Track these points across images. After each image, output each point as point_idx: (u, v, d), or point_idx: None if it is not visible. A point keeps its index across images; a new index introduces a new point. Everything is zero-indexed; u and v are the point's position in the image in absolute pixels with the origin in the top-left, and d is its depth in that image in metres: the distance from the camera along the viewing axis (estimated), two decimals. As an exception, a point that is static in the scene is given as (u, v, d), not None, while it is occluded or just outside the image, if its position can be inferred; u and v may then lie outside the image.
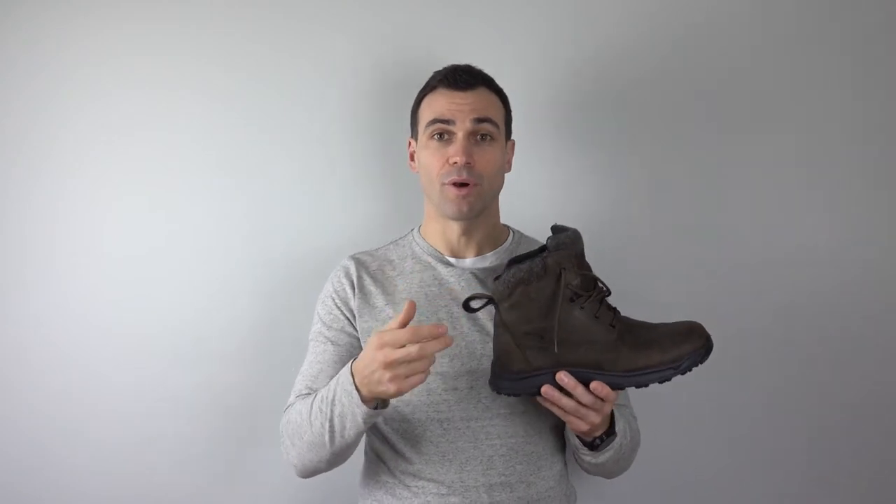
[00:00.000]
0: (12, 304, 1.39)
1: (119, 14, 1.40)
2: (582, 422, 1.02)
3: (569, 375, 1.00)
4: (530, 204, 1.40)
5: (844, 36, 1.46)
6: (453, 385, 1.11)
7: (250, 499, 1.41)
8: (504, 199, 1.24)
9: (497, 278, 1.03)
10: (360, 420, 1.01)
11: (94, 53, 1.40)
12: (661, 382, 1.00)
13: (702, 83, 1.45)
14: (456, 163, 1.12)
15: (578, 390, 1.00)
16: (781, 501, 1.45)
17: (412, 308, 0.97)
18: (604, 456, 1.10)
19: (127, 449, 1.40)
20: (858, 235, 1.45)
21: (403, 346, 0.93)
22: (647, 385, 1.00)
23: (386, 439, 1.15)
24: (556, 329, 0.99)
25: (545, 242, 1.04)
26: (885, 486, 1.46)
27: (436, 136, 1.15)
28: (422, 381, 0.96)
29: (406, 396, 1.10)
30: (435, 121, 1.14)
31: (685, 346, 0.99)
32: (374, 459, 1.18)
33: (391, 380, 0.94)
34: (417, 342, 0.93)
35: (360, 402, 0.99)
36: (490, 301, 1.02)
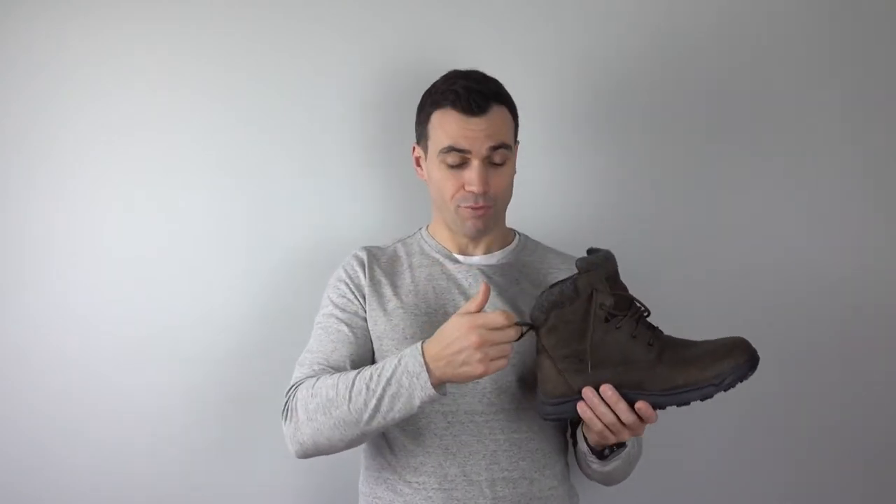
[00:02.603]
0: (12, 304, 1.39)
1: (119, 14, 1.40)
2: (613, 436, 1.02)
3: (613, 389, 0.99)
4: (531, 204, 1.41)
5: (842, 39, 1.46)
6: (466, 382, 1.11)
7: (251, 498, 1.41)
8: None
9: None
10: (415, 403, 1.00)
11: (94, 53, 1.40)
12: (702, 400, 0.98)
13: (705, 84, 1.45)
14: (473, 191, 1.13)
15: (621, 406, 0.99)
16: (779, 501, 1.46)
17: (487, 290, 1.00)
18: (611, 465, 1.11)
19: (127, 449, 1.40)
20: (855, 237, 1.46)
21: (497, 328, 0.97)
22: (688, 403, 0.98)
23: (388, 433, 1.15)
24: (588, 350, 0.99)
25: (575, 263, 1.03)
26: (882, 488, 1.46)
27: (450, 163, 1.13)
28: (504, 367, 0.99)
29: None
30: (451, 149, 1.13)
31: (726, 361, 0.97)
32: (374, 456, 1.17)
33: (481, 360, 0.96)
34: (511, 326, 0.97)
35: (427, 384, 0.99)
36: (531, 327, 1.02)
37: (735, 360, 0.97)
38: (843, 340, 1.46)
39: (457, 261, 1.21)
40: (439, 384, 1.00)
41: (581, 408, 1.00)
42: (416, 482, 1.11)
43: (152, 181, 1.41)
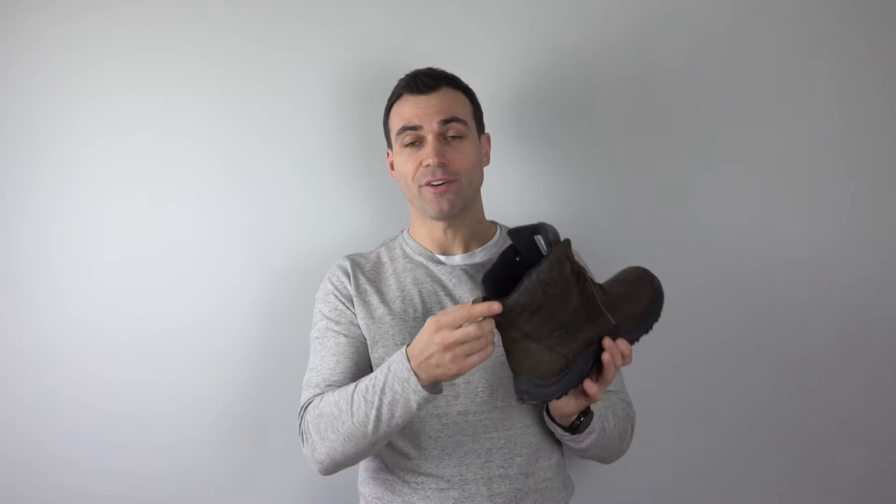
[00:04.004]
0: (11, 305, 1.39)
1: (119, 14, 1.40)
2: (597, 392, 1.03)
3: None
4: (514, 200, 1.42)
5: (831, 36, 1.46)
6: (450, 380, 1.12)
7: (251, 498, 1.41)
8: (486, 194, 1.25)
9: (507, 298, 0.97)
10: (413, 407, 1.00)
11: (94, 53, 1.40)
12: (657, 319, 1.07)
13: (686, 82, 1.45)
14: (429, 165, 1.14)
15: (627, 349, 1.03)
16: (773, 498, 1.46)
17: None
18: (587, 440, 1.11)
19: (125, 449, 1.40)
20: (845, 237, 1.46)
21: (460, 326, 0.95)
22: (651, 327, 1.07)
23: None
24: (596, 295, 1.02)
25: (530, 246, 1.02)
26: (882, 488, 1.46)
27: (407, 143, 1.17)
28: (483, 360, 0.96)
29: None
30: (404, 128, 1.17)
31: (645, 286, 1.07)
32: (373, 457, 1.18)
33: (452, 360, 0.95)
34: (472, 321, 0.95)
35: (418, 387, 0.98)
36: (505, 315, 0.99)
37: (649, 284, 1.08)
38: (840, 340, 1.45)
39: (439, 262, 1.21)
40: (429, 385, 1.00)
41: (605, 358, 1.01)
42: (414, 482, 1.12)
43: (152, 181, 1.41)
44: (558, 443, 1.20)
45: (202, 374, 1.41)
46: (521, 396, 1.01)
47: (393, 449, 1.15)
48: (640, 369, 1.42)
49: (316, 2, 1.42)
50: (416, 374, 0.99)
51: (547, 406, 1.12)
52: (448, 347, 0.95)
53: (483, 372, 1.13)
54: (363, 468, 1.22)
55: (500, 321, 0.99)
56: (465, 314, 0.94)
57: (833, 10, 1.45)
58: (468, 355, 0.95)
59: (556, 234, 1.00)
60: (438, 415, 1.13)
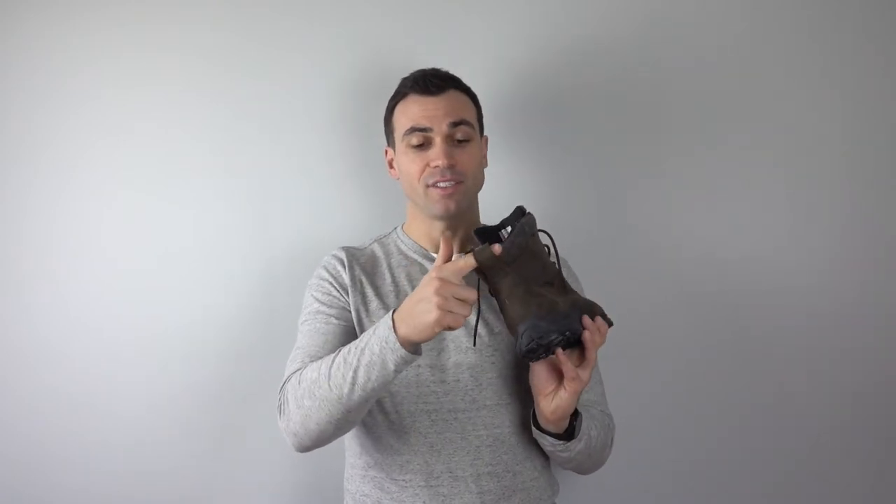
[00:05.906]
0: (11, 305, 1.40)
1: (119, 14, 1.40)
2: (586, 375, 1.04)
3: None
4: (510, 201, 1.41)
5: (806, 35, 1.46)
6: (441, 378, 1.13)
7: (238, 497, 1.41)
8: (481, 196, 1.25)
9: (505, 240, 1.03)
10: (390, 367, 0.98)
11: (94, 53, 1.40)
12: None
13: (686, 85, 1.45)
14: (438, 166, 1.14)
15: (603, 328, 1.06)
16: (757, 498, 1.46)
17: (448, 241, 1.04)
18: (577, 448, 1.11)
19: (125, 449, 1.40)
20: (844, 239, 1.46)
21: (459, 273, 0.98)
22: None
23: (373, 432, 1.16)
24: (558, 273, 1.07)
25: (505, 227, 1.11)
26: (883, 488, 1.46)
27: (414, 144, 1.17)
28: (459, 325, 0.97)
29: (395, 388, 1.13)
30: (413, 129, 1.17)
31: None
32: (360, 454, 1.18)
33: (438, 305, 0.95)
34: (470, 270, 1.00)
35: (396, 345, 0.97)
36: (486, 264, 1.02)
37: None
38: (839, 340, 1.45)
39: (434, 259, 1.20)
40: (408, 343, 0.98)
41: (587, 322, 1.04)
42: (403, 479, 1.12)
43: (151, 181, 1.41)
44: None
45: (202, 373, 1.41)
46: (530, 343, 1.01)
47: (383, 445, 1.15)
48: (635, 370, 1.42)
49: (316, 2, 1.43)
50: (395, 332, 0.98)
51: (535, 418, 1.12)
52: (440, 290, 0.95)
53: (472, 371, 1.14)
54: (349, 465, 1.21)
55: (497, 270, 1.02)
56: (468, 263, 0.99)
57: (834, 10, 1.45)
58: (450, 311, 0.95)
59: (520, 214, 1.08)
60: (428, 411, 1.13)
